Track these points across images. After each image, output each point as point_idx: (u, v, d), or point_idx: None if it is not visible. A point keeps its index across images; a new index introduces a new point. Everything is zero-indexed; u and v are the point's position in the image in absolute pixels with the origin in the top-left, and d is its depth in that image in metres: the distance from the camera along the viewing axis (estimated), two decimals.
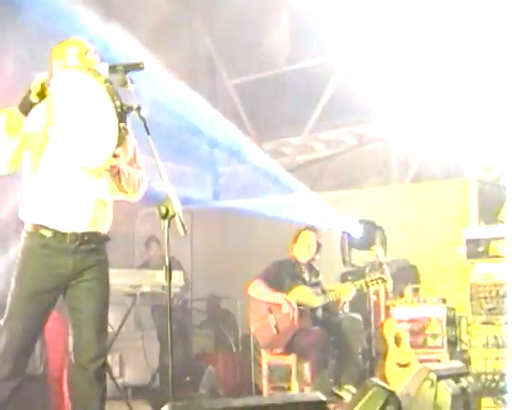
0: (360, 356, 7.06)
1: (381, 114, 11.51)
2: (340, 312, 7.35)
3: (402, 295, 8.50)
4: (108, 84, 3.96)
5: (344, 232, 9.70)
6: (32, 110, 4.12)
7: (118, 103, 3.93)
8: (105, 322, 4.36)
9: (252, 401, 3.22)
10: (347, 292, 7.02)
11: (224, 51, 13.76)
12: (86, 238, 4.28)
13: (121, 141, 3.99)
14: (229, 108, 13.88)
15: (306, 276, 7.34)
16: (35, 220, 4.27)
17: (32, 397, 7.91)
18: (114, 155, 4.03)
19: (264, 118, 13.27)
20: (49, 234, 4.25)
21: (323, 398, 3.42)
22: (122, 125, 3.93)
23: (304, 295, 7.12)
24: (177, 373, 6.29)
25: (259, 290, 7.13)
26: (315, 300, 7.08)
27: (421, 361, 7.25)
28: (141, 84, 4.21)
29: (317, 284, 7.32)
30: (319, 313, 7.18)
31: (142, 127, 3.96)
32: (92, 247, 4.31)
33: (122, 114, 3.94)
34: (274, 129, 13.28)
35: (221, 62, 13.81)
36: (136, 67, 4.09)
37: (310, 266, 7.42)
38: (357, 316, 7.27)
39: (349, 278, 8.90)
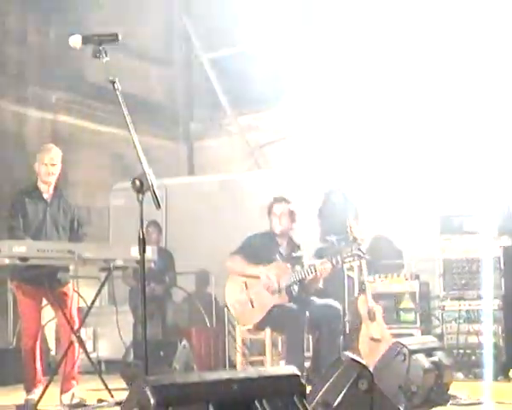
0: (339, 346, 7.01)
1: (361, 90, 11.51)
2: (317, 289, 7.29)
3: (376, 271, 8.55)
4: None
5: (320, 207, 9.72)
6: None
7: None
8: None
9: (225, 374, 3.21)
10: (325, 269, 6.97)
11: (200, 26, 13.67)
12: None
13: None
14: (205, 82, 13.81)
15: (283, 249, 7.27)
16: None
17: (4, 370, 7.92)
18: None
19: (240, 92, 13.21)
20: None
21: (298, 372, 3.42)
22: None
23: (279, 270, 7.08)
24: (150, 348, 6.29)
25: (237, 264, 7.10)
26: (290, 275, 7.04)
27: (394, 336, 7.28)
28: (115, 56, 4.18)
29: (295, 259, 7.27)
30: (295, 288, 7.16)
31: (118, 100, 3.95)
32: None
33: None
34: (249, 103, 13.22)
35: (196, 37, 13.71)
36: (111, 38, 4.04)
37: (288, 239, 7.35)
38: (337, 304, 7.20)
39: (324, 254, 8.91)
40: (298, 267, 7.14)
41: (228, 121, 13.53)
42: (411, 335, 7.91)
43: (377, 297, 8.03)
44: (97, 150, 11.80)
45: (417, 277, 8.50)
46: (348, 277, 8.45)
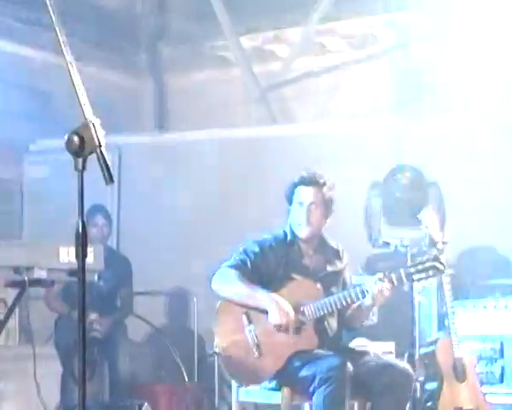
0: None
1: None
2: (367, 324, 7.28)
3: (467, 296, 8.56)
4: None
5: (371, 190, 9.72)
6: None
7: None
8: None
9: None
10: (382, 291, 6.93)
11: None
12: None
13: None
14: None
15: (310, 259, 7.21)
16: None
17: None
18: None
19: None
20: None
21: None
22: None
23: (301, 294, 7.03)
24: None
25: (230, 286, 7.05)
26: (321, 302, 6.99)
27: (498, 406, 7.28)
28: None
29: (331, 275, 7.20)
30: (331, 324, 7.12)
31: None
32: None
33: None
34: (259, 14, 13.21)
35: None
36: None
37: (319, 242, 7.26)
38: (406, 367, 7.10)
39: (379, 265, 8.91)
40: (335, 289, 7.10)
41: (224, 44, 13.53)
42: None
43: (469, 341, 8.04)
44: (3, 84, 11.76)
45: None
46: (420, 305, 8.43)
